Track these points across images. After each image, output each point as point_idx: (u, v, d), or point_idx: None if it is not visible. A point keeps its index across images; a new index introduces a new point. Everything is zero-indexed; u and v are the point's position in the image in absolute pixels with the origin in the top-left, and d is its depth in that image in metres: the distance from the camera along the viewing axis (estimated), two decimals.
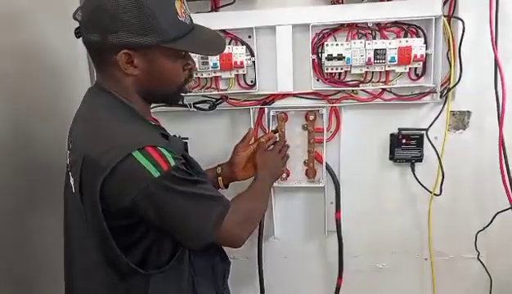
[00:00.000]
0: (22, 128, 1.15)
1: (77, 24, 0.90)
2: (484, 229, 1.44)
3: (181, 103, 1.27)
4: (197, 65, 1.32)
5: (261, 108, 1.46)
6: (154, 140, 0.84)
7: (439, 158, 1.39)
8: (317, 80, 1.41)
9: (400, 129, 1.43)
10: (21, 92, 1.15)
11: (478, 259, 1.50)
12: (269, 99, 1.45)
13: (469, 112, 1.40)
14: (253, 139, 1.33)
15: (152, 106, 1.04)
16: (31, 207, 1.18)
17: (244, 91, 1.44)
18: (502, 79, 1.25)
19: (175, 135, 1.03)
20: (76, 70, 1.43)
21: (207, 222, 0.88)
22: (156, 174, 0.79)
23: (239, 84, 1.44)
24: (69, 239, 0.96)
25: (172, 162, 0.82)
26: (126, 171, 0.79)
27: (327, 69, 1.36)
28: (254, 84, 1.42)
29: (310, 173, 1.48)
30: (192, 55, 1.00)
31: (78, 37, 0.91)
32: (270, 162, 1.26)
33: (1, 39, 1.09)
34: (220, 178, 1.26)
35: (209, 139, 1.52)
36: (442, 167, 1.39)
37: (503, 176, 1.26)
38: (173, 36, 0.86)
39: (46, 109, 1.26)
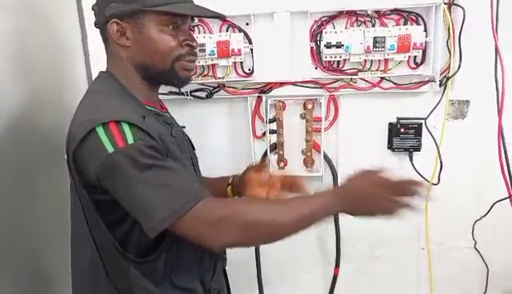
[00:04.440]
0: (19, 121, 1.13)
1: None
2: (481, 218, 1.44)
3: (179, 90, 1.26)
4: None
5: (258, 96, 1.44)
6: (123, 116, 0.82)
7: (438, 148, 1.38)
8: (316, 68, 1.40)
9: (398, 118, 1.42)
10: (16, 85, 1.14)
11: (475, 248, 1.50)
12: (267, 87, 1.43)
13: (468, 101, 1.39)
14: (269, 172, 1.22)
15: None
16: (32, 199, 1.18)
17: (241, 79, 1.42)
18: (502, 68, 1.24)
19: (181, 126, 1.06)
20: (74, 62, 1.41)
21: (155, 211, 0.81)
22: (110, 150, 0.79)
23: (236, 72, 1.42)
24: (70, 219, 0.98)
25: (130, 140, 0.80)
26: (89, 145, 0.81)
27: (326, 57, 1.35)
28: (252, 72, 1.41)
29: (308, 162, 1.47)
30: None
31: (97, 28, 0.97)
32: (370, 192, 0.88)
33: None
34: (229, 187, 1.21)
35: (206, 127, 1.50)
36: (440, 156, 1.38)
37: (501, 166, 1.25)
38: (156, 2, 0.90)
39: (43, 101, 1.24)
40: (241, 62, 1.41)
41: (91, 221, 0.89)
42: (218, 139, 1.51)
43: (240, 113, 1.47)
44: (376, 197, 0.87)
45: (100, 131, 0.80)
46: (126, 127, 0.81)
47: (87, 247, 0.92)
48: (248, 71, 1.42)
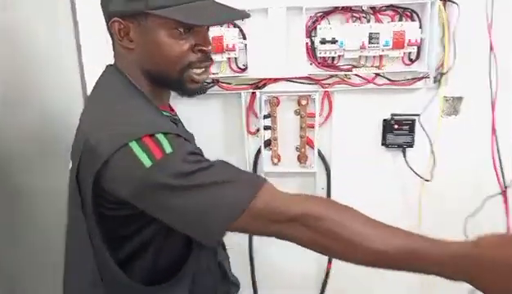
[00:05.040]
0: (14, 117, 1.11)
1: None
2: (474, 214, 1.45)
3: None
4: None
5: (253, 92, 1.44)
6: (156, 127, 0.75)
7: (431, 144, 1.39)
8: (310, 64, 1.39)
9: (392, 114, 1.43)
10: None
11: None
12: (261, 83, 1.42)
13: (461, 98, 1.40)
14: None
15: None
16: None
17: (235, 74, 1.41)
18: (496, 64, 1.25)
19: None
20: (61, 58, 1.38)
21: (214, 214, 0.73)
22: (148, 164, 0.71)
23: (230, 68, 1.41)
24: (66, 230, 0.90)
25: (169, 149, 0.73)
26: (121, 161, 0.73)
27: (320, 53, 1.34)
28: (246, 68, 1.40)
29: (302, 158, 1.47)
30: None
31: None
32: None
33: None
34: None
35: (200, 123, 1.48)
36: (433, 152, 1.39)
37: (494, 162, 1.27)
38: (162, 3, 0.79)
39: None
40: (235, 58, 1.39)
41: (97, 239, 0.81)
42: (212, 135, 1.50)
43: (234, 109, 1.46)
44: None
45: (134, 146, 0.72)
46: (161, 137, 0.73)
47: (86, 267, 0.83)
48: (242, 67, 1.41)
